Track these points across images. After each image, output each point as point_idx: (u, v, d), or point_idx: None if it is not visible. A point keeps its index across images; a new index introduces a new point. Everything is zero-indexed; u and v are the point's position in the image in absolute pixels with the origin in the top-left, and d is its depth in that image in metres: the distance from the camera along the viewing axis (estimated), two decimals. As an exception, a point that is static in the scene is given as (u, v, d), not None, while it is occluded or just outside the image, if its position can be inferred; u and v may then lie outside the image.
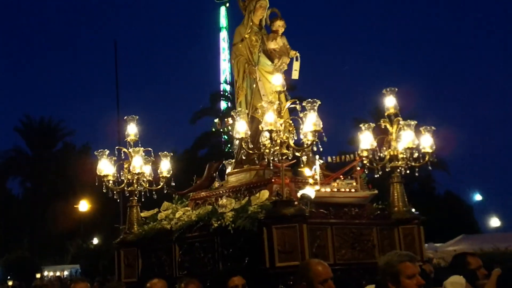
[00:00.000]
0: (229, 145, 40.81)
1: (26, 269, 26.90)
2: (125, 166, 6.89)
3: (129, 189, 6.90)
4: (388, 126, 6.59)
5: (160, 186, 6.97)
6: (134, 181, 6.83)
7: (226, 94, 43.78)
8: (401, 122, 6.50)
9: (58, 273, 31.79)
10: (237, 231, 5.55)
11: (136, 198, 6.93)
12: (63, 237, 36.73)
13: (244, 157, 6.37)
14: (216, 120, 38.88)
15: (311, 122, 5.50)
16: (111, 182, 6.83)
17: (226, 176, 6.91)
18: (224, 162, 7.34)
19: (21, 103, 78.48)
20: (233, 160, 7.31)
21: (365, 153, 6.41)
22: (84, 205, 31.86)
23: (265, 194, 5.75)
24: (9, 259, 28.84)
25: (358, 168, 6.34)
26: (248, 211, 5.60)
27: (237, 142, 6.71)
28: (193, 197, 6.82)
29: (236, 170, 6.72)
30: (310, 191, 5.72)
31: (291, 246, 5.27)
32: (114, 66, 24.13)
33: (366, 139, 6.44)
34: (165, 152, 7.09)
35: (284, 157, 5.64)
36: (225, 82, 50.07)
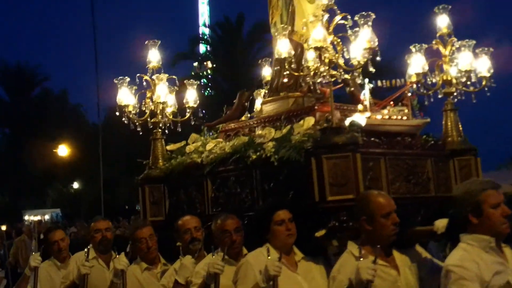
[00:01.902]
0: (208, 89, 40.44)
1: (8, 213, 26.73)
2: (148, 95, 6.26)
3: (152, 120, 6.29)
4: (441, 47, 5.90)
5: (186, 117, 6.36)
6: (158, 112, 6.21)
7: (205, 37, 42.77)
8: (457, 43, 5.81)
9: (39, 217, 31.90)
10: (280, 163, 4.96)
11: (160, 130, 6.32)
12: (43, 182, 36.91)
13: (285, 81, 5.72)
14: (195, 64, 38.30)
15: (364, 39, 4.81)
16: (132, 113, 6.22)
17: (260, 105, 6.25)
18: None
19: None
20: (263, 90, 6.67)
21: (415, 78, 5.75)
22: (63, 150, 31.70)
23: (310, 121, 5.12)
24: None
25: (409, 94, 5.69)
26: (292, 140, 4.99)
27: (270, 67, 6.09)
28: (223, 129, 6.20)
29: (271, 98, 6.06)
30: (360, 118, 5.09)
31: (344, 178, 4.67)
32: (90, 10, 23.55)
33: (417, 62, 5.76)
34: (191, 80, 6.43)
35: (333, 79, 4.97)
36: (204, 25, 48.90)
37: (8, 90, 40.15)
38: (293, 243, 4.28)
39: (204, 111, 6.43)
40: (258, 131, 5.45)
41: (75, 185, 37.29)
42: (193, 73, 39.26)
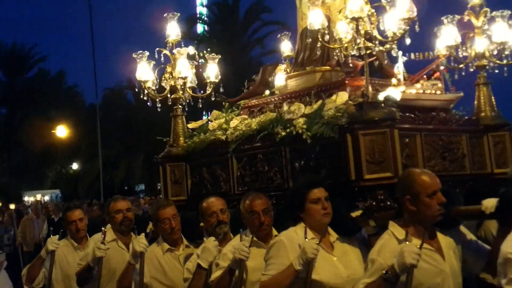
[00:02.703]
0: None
1: (7, 194, 26.57)
2: (167, 70, 6.01)
3: (172, 96, 6.05)
4: (473, 19, 5.67)
5: (208, 93, 6.11)
6: (179, 88, 5.96)
7: (203, 17, 42.28)
8: (490, 14, 5.58)
9: (38, 198, 31.80)
10: (312, 139, 4.74)
11: (180, 107, 6.09)
12: (42, 163, 36.82)
13: (312, 55, 5.48)
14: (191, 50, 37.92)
15: (402, 8, 4.56)
16: (151, 89, 5.98)
17: (285, 80, 6.01)
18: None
19: None
20: (283, 65, 6.43)
21: (445, 51, 5.52)
22: (62, 131, 31.38)
23: (343, 96, 4.90)
24: None
25: (442, 68, 5.47)
26: (324, 116, 4.76)
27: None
28: (246, 105, 5.98)
29: (296, 73, 5.82)
30: (395, 93, 4.87)
31: (382, 155, 4.46)
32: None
33: (448, 34, 5.52)
34: (212, 54, 6.17)
35: (368, 51, 4.73)
36: (202, 4, 48.37)
37: (4, 70, 39.84)
38: (329, 222, 4.09)
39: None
40: (286, 107, 5.22)
41: (74, 165, 37.11)
42: (188, 54, 38.78)
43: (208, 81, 6.12)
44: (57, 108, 35.84)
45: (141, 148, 34.66)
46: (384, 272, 3.33)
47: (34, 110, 36.25)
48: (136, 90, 5.97)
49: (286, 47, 6.70)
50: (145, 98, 5.96)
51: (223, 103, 6.07)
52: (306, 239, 3.80)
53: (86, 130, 34.53)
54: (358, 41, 4.56)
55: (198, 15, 43.74)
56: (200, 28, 41.64)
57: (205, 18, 41.38)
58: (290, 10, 6.26)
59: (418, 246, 3.29)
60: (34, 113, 36.01)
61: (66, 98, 39.20)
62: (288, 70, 6.24)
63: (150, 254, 4.79)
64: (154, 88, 5.97)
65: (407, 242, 3.38)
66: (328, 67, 5.58)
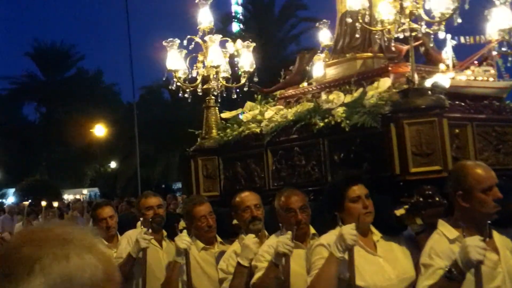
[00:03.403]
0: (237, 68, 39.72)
1: (45, 192, 26.79)
2: (199, 59, 5.73)
3: (204, 87, 5.77)
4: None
5: (241, 83, 5.81)
6: (211, 77, 5.68)
7: (238, 15, 42.03)
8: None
9: (78, 196, 32.14)
10: (352, 130, 4.38)
11: (213, 97, 5.80)
12: (81, 161, 37.23)
13: (352, 41, 5.12)
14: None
15: (451, -15, 4.17)
16: (182, 78, 5.71)
17: (323, 68, 5.66)
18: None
19: (30, 28, 77.36)
20: (322, 55, 6.07)
21: (497, 36, 5.08)
22: (100, 129, 31.60)
23: (385, 82, 4.52)
24: (28, 183, 28.88)
25: (494, 53, 5.04)
26: (365, 105, 4.40)
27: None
28: (282, 95, 5.65)
29: (335, 61, 5.47)
30: (443, 79, 4.47)
31: (429, 147, 4.07)
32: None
33: (501, 17, 5.08)
34: (246, 42, 5.86)
35: (413, 33, 4.35)
36: (237, 3, 48.15)
37: (43, 70, 40.42)
38: (371, 222, 3.74)
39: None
40: (324, 96, 4.87)
41: (112, 164, 37.44)
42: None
43: (242, 70, 5.81)
44: (95, 107, 36.23)
45: (178, 146, 34.62)
46: (446, 270, 2.98)
47: (73, 109, 36.70)
48: (164, 79, 5.68)
49: (324, 36, 6.34)
50: (173, 88, 5.68)
51: (257, 93, 5.74)
52: (342, 226, 3.49)
53: (123, 129, 34.74)
54: (403, 21, 4.18)
55: (233, 14, 43.61)
56: (235, 27, 41.53)
57: (240, 17, 41.20)
58: (326, 6, 5.95)
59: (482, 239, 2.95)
60: (73, 112, 36.46)
61: (104, 97, 39.59)
62: (327, 59, 5.89)
63: None
64: (185, 77, 5.69)
65: (467, 237, 3.03)
66: (369, 54, 5.21)
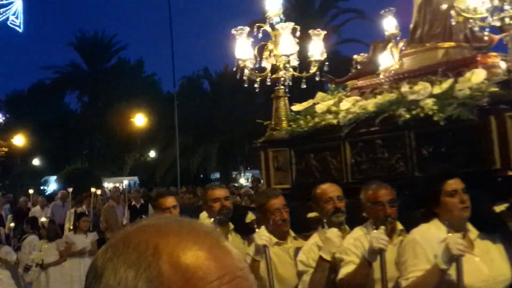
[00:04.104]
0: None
1: (87, 180, 27.07)
2: (268, 47, 5.52)
3: (273, 76, 5.56)
4: None
5: (312, 72, 5.58)
6: (281, 66, 5.46)
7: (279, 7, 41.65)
8: None
9: (117, 185, 32.35)
10: (444, 123, 4.12)
11: (282, 87, 5.59)
12: (121, 150, 37.63)
13: (437, 27, 4.85)
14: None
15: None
16: (250, 68, 5.51)
17: (399, 58, 5.39)
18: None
19: (74, 19, 78.36)
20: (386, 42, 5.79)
21: None
22: (140, 119, 31.77)
23: (479, 74, 4.23)
24: (69, 171, 29.22)
25: None
26: (458, 96, 4.13)
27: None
28: (355, 86, 5.40)
29: (413, 50, 5.20)
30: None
31: (533, 141, 3.80)
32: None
33: None
34: (317, 30, 5.63)
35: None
36: None
37: (86, 59, 40.93)
38: (468, 217, 3.49)
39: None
40: (406, 87, 4.61)
41: (152, 153, 37.73)
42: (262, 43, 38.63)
43: (312, 59, 5.58)
44: (136, 96, 36.53)
45: (217, 136, 34.71)
46: None
47: (114, 99, 37.04)
48: (234, 70, 5.49)
49: (390, 24, 6.04)
50: (239, 77, 5.48)
51: (329, 84, 5.51)
52: (449, 234, 3.23)
53: (163, 118, 34.95)
54: (506, 7, 3.89)
55: (274, 5, 43.41)
56: (276, 18, 41.24)
57: (281, 8, 40.89)
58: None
59: None
60: (114, 101, 36.81)
61: (144, 86, 39.87)
62: (393, 49, 5.60)
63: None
64: (253, 67, 5.49)
65: None
66: (452, 43, 4.93)
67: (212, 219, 4.87)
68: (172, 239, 0.87)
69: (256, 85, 5.44)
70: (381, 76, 5.35)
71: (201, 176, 36.69)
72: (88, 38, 41.65)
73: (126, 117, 34.30)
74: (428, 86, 4.44)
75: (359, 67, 5.57)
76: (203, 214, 5.05)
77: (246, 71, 5.38)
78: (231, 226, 4.97)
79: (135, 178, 36.80)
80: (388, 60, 5.50)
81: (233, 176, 38.60)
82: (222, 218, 4.88)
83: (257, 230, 4.33)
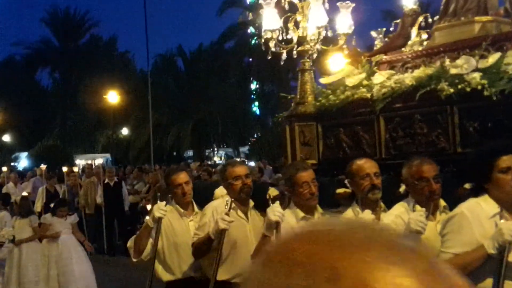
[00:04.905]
0: (255, 38, 39.32)
1: (59, 157, 26.63)
2: (296, 18, 5.32)
3: (299, 48, 5.37)
4: None
5: (340, 45, 5.41)
6: (309, 39, 5.27)
7: None
8: None
9: (89, 162, 31.92)
10: (490, 99, 4.01)
11: (308, 60, 5.40)
12: (93, 127, 37.04)
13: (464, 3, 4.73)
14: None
15: None
16: (275, 40, 5.30)
17: (432, 32, 5.26)
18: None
19: None
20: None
21: None
22: (113, 96, 31.30)
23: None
24: (41, 148, 28.63)
25: None
26: (508, 70, 4.02)
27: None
28: (385, 60, 5.25)
29: (447, 24, 5.07)
30: None
31: None
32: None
33: None
34: (346, 2, 5.44)
35: None
36: None
37: (58, 36, 39.95)
38: None
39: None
40: (447, 61, 4.48)
41: (124, 131, 37.23)
42: (239, 21, 38.42)
43: (339, 32, 5.41)
44: (109, 74, 35.86)
45: (191, 115, 34.37)
46: None
47: (87, 76, 36.32)
48: (263, 41, 5.28)
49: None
50: (264, 48, 5.28)
51: (362, 57, 5.34)
52: (502, 221, 3.12)
53: (136, 96, 34.42)
54: None
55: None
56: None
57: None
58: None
59: None
60: (87, 78, 36.08)
61: (118, 64, 39.15)
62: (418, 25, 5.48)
63: (283, 223, 4.14)
64: (279, 39, 5.29)
65: None
66: (489, 17, 4.81)
67: (232, 198, 4.65)
68: (357, 256, 0.57)
69: (283, 57, 5.23)
70: (408, 50, 5.22)
71: (174, 154, 36.35)
72: (60, 14, 40.66)
73: (99, 95, 33.66)
74: (472, 60, 4.32)
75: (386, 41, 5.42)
76: (219, 191, 4.85)
77: (272, 44, 5.17)
78: (251, 203, 4.77)
79: (108, 156, 36.30)
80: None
81: (206, 154, 38.41)
82: (244, 197, 4.68)
83: (271, 205, 4.17)
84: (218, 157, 38.94)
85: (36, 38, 40.22)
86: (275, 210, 4.00)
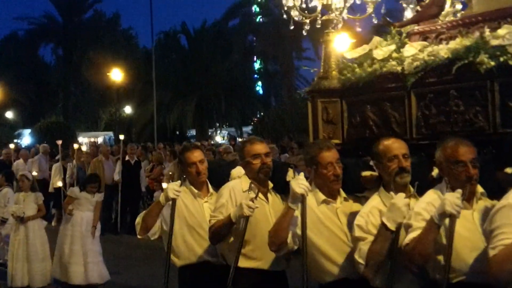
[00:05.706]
0: (260, 16, 38.83)
1: (61, 134, 26.38)
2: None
3: (323, 18, 5.00)
4: None
5: (367, 14, 5.04)
6: (333, 8, 4.90)
7: None
8: None
9: (92, 139, 31.89)
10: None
11: (333, 30, 5.03)
12: (96, 105, 36.97)
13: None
14: None
15: None
16: (297, 9, 4.94)
17: (467, 1, 4.89)
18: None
19: None
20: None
21: None
22: (117, 74, 31.05)
23: None
24: (44, 124, 28.45)
25: None
26: (557, 41, 3.66)
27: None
28: (418, 30, 4.88)
29: (486, -8, 4.69)
30: None
31: None
32: None
33: None
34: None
35: None
36: None
37: (61, 11, 39.62)
38: None
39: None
40: (487, 31, 4.11)
41: (127, 109, 37.00)
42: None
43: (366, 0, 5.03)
44: (112, 50, 35.52)
45: (194, 93, 34.05)
46: None
47: (90, 52, 35.98)
48: (285, 10, 4.91)
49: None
50: (286, 17, 4.91)
51: (390, 27, 4.95)
52: None
53: (140, 74, 34.13)
54: None
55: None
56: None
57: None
58: None
59: None
60: (90, 55, 35.76)
61: (121, 41, 38.79)
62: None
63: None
64: (301, 7, 4.92)
65: None
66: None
67: (250, 180, 4.30)
68: None
69: (306, 27, 4.85)
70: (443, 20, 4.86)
71: (177, 133, 36.10)
72: (63, -11, 40.30)
73: (102, 72, 33.37)
74: (513, 29, 3.96)
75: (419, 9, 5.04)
76: (236, 171, 4.50)
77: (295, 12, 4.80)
78: (271, 184, 4.42)
79: (110, 133, 36.10)
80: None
81: (209, 133, 38.16)
82: (262, 177, 4.33)
83: (296, 175, 3.82)
84: (221, 137, 38.67)
85: (40, 13, 39.90)
86: (300, 183, 3.66)
